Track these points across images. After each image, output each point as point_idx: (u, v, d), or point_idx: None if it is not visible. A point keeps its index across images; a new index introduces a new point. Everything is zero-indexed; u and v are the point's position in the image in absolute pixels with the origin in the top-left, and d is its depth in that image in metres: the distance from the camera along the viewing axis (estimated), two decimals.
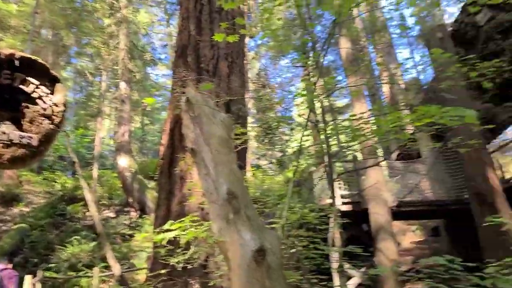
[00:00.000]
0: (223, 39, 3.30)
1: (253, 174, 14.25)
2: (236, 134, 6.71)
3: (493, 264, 5.20)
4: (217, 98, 7.19)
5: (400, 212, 11.82)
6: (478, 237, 9.35)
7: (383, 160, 11.52)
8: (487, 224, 6.03)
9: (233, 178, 2.97)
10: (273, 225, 4.71)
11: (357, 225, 11.72)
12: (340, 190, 11.60)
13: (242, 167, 4.20)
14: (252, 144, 19.07)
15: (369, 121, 5.92)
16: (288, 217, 4.36)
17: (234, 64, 7.90)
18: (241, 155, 7.06)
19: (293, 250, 4.58)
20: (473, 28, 9.90)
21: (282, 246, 3.21)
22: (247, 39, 18.57)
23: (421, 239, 16.48)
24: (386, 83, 16.98)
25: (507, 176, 14.90)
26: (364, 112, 5.71)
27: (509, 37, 9.41)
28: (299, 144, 6.22)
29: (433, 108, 3.63)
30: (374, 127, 6.21)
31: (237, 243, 2.78)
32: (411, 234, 17.11)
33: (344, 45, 12.89)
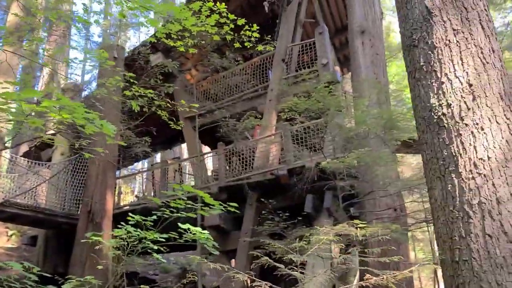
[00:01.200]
0: None
1: None
2: None
3: (71, 280, 5.11)
4: None
5: (2, 212, 10.40)
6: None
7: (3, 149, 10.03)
8: (84, 241, 5.99)
9: None
10: None
11: None
12: None
13: None
14: None
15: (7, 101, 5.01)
16: None
17: None
18: None
19: None
20: (144, 60, 10.76)
21: None
22: None
23: (14, 246, 15.02)
24: (46, 67, 15.62)
25: (122, 203, 16.00)
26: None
27: (168, 81, 10.72)
28: None
29: (77, 105, 3.29)
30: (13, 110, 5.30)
31: None
32: (4, 239, 15.33)
33: (15, 10, 11.05)
